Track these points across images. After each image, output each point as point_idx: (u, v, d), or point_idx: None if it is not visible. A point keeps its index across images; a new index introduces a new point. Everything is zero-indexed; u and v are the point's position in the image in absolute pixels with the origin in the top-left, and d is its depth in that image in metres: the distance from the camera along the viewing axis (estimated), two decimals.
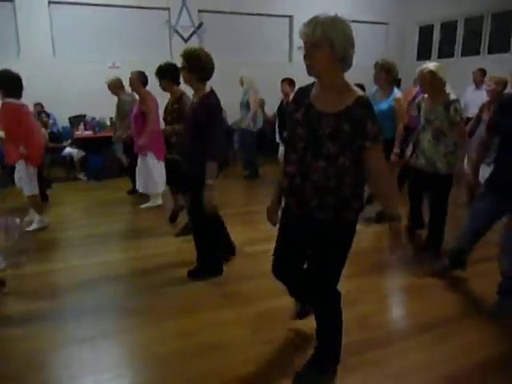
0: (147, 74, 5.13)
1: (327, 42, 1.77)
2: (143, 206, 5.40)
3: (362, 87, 6.30)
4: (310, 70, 1.87)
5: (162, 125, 4.50)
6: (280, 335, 2.63)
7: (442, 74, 3.46)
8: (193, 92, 3.20)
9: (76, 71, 7.61)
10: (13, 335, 2.68)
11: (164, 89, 4.19)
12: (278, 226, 2.22)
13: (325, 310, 2.19)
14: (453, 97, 3.49)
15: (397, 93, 4.23)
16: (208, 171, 2.99)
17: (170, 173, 4.46)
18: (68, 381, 2.32)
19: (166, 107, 4.26)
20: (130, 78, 5.07)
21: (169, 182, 4.69)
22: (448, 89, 3.56)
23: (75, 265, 3.78)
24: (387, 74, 4.18)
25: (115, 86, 5.89)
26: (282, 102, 6.49)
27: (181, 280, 3.41)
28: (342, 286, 3.01)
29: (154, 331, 2.73)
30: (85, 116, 7.56)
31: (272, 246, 2.24)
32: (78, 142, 7.11)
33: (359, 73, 4.48)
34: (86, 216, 5.27)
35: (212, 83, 3.20)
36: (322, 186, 1.89)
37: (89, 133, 7.20)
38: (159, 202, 5.42)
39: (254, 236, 4.25)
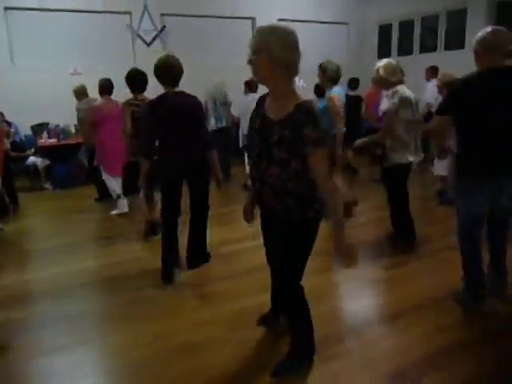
0: (112, 78, 5.12)
1: (265, 48, 1.82)
2: (112, 212, 5.38)
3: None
4: (255, 76, 1.96)
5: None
6: (256, 333, 2.67)
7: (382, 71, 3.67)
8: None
9: (36, 78, 7.42)
10: None
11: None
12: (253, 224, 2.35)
13: (291, 304, 2.27)
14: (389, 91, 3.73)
15: (332, 92, 4.35)
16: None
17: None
18: None
19: None
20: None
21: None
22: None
23: (47, 275, 3.72)
24: (323, 74, 4.35)
25: (77, 93, 5.91)
26: None
27: (155, 284, 3.41)
28: (314, 280, 3.13)
29: (130, 336, 2.73)
30: (48, 124, 7.38)
31: (246, 245, 2.30)
32: (42, 151, 6.94)
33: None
34: (55, 225, 5.16)
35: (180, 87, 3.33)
36: (279, 189, 1.97)
37: (53, 140, 7.04)
38: (125, 209, 5.33)
39: (229, 236, 4.28)
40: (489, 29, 2.63)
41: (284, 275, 2.19)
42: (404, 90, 3.66)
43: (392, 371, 2.31)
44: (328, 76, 4.36)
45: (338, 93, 4.36)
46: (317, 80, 4.67)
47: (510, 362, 2.37)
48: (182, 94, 3.39)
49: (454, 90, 2.73)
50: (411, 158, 3.73)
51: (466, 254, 2.89)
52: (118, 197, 5.23)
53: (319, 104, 4.33)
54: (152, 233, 4.37)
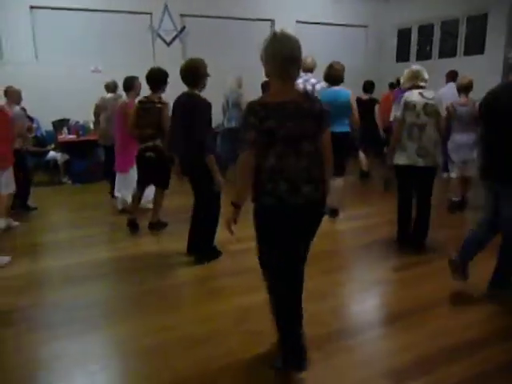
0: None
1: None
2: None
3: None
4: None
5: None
6: (261, 327, 2.73)
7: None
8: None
9: (58, 75, 7.64)
10: (7, 333, 2.76)
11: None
12: None
13: None
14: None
15: None
16: None
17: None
18: (59, 371, 2.41)
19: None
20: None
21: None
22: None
23: (62, 265, 3.86)
24: None
25: (109, 87, 6.06)
26: None
27: (166, 277, 3.52)
28: (316, 281, 3.20)
29: (139, 326, 2.82)
30: (68, 120, 7.58)
31: (253, 244, 2.38)
32: (62, 146, 7.14)
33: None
34: (72, 219, 5.33)
35: None
36: None
37: (72, 137, 7.23)
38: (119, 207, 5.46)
39: (239, 235, 4.33)
40: None
41: None
42: (411, 94, 3.78)
43: (391, 369, 2.36)
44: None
45: None
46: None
47: (505, 366, 2.39)
48: (187, 94, 3.58)
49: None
50: (403, 161, 3.83)
51: None
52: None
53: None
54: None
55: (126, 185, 5.25)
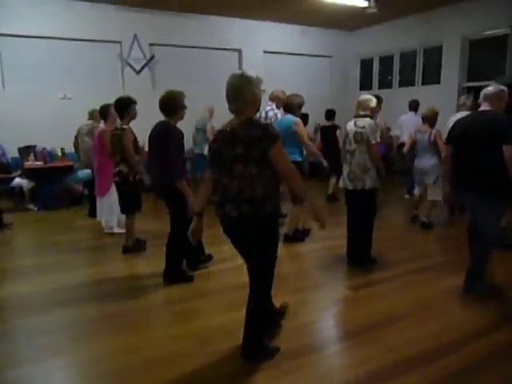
0: (100, 104, 5.33)
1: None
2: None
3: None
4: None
5: None
6: (225, 347, 2.78)
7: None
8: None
9: (26, 102, 7.62)
10: None
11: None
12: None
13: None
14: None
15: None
16: None
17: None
18: None
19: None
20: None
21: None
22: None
23: (24, 291, 3.80)
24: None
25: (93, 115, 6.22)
26: None
27: (134, 300, 3.54)
28: (286, 300, 3.29)
29: (102, 349, 2.82)
30: (35, 146, 7.52)
31: (225, 266, 2.47)
32: (28, 173, 7.06)
33: (307, 101, 4.96)
34: (36, 245, 5.26)
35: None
36: None
37: (39, 163, 7.17)
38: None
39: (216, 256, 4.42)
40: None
41: None
42: (349, 123, 4.19)
43: (347, 382, 2.44)
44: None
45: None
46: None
47: (460, 375, 2.51)
48: (163, 122, 3.76)
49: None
50: (340, 184, 4.31)
51: None
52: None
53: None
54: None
55: (105, 209, 5.40)
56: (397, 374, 2.50)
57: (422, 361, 2.64)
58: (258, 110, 2.56)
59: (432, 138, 5.19)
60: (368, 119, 4.05)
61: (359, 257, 4.23)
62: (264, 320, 2.67)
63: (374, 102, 4.13)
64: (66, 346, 2.90)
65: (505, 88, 3.39)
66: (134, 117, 4.47)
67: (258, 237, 2.44)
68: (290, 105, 4.83)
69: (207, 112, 7.19)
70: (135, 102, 4.45)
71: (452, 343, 2.84)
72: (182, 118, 3.79)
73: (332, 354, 2.75)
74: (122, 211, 4.75)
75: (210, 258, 4.29)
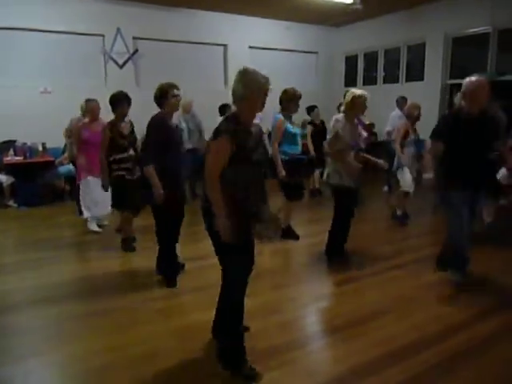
0: (83, 99, 5.22)
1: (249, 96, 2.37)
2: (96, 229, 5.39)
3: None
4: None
5: None
6: (205, 344, 2.76)
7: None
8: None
9: (5, 96, 7.43)
10: None
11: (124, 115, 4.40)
12: None
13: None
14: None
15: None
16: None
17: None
18: None
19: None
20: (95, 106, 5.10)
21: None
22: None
23: (7, 289, 3.73)
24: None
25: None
26: None
27: (117, 297, 3.50)
28: (268, 296, 3.29)
29: (82, 348, 2.77)
30: (15, 141, 7.36)
31: (208, 262, 2.45)
32: (8, 168, 6.91)
33: None
34: (17, 243, 5.15)
35: (151, 109, 3.67)
36: None
37: (19, 158, 7.02)
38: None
39: (195, 254, 4.37)
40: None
41: None
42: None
43: (332, 377, 2.45)
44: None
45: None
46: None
47: (440, 366, 2.54)
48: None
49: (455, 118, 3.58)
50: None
51: None
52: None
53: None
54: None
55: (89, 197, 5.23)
56: (380, 368, 2.53)
57: (405, 354, 2.66)
58: (255, 109, 2.41)
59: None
60: (340, 115, 4.07)
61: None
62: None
63: (344, 98, 4.11)
64: (48, 345, 2.84)
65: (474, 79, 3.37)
66: (121, 114, 4.38)
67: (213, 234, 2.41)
68: (280, 100, 4.73)
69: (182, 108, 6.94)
70: (123, 100, 4.35)
71: (434, 336, 2.87)
72: (174, 106, 3.72)
73: (316, 349, 2.76)
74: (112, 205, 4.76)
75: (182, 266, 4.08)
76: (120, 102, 4.31)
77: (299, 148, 4.81)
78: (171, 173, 3.60)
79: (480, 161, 3.43)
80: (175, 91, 3.65)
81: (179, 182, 3.72)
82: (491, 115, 3.50)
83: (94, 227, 5.36)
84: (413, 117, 5.31)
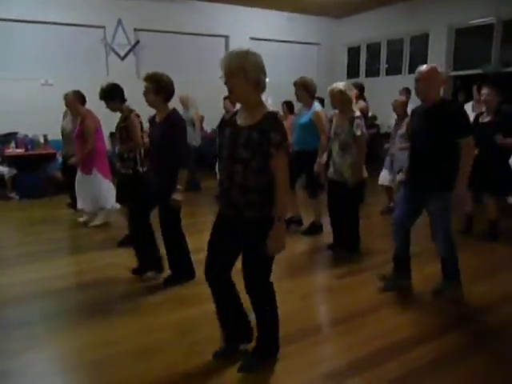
0: (84, 91, 5.16)
1: (241, 71, 2.11)
2: (91, 224, 5.29)
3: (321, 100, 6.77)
4: (230, 95, 2.25)
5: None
6: (206, 337, 2.77)
7: (350, 93, 3.89)
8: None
9: (6, 88, 7.42)
10: None
11: (113, 109, 4.23)
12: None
13: (263, 301, 2.42)
14: (357, 114, 3.90)
15: (316, 106, 4.56)
16: (180, 178, 3.31)
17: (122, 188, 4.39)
18: None
19: (117, 126, 4.28)
20: (66, 99, 5.06)
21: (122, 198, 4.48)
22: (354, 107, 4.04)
23: (6, 283, 3.73)
24: (305, 91, 4.50)
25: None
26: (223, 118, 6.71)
27: (115, 291, 3.50)
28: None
29: (82, 341, 2.78)
30: (16, 133, 7.37)
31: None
32: (9, 160, 6.92)
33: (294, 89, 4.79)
34: (19, 235, 5.16)
35: None
36: (243, 185, 2.19)
37: (20, 150, 7.03)
38: (105, 219, 5.36)
39: (195, 245, 4.35)
40: None
41: (255, 274, 2.33)
42: None
43: (331, 370, 2.46)
44: (311, 92, 4.54)
45: (321, 108, 4.62)
46: (289, 96, 4.82)
47: (437, 361, 2.54)
48: None
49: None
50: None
51: None
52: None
53: (303, 119, 4.60)
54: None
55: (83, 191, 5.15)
56: (378, 362, 2.52)
57: (401, 349, 2.65)
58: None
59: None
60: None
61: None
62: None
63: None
64: (46, 338, 2.85)
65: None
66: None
67: None
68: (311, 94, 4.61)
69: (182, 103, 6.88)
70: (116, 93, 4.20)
71: (432, 331, 2.86)
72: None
73: (314, 343, 2.74)
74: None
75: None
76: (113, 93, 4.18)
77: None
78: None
79: (424, 158, 3.10)
80: None
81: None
82: (447, 107, 3.04)
83: (97, 220, 5.34)
84: (398, 112, 5.38)
